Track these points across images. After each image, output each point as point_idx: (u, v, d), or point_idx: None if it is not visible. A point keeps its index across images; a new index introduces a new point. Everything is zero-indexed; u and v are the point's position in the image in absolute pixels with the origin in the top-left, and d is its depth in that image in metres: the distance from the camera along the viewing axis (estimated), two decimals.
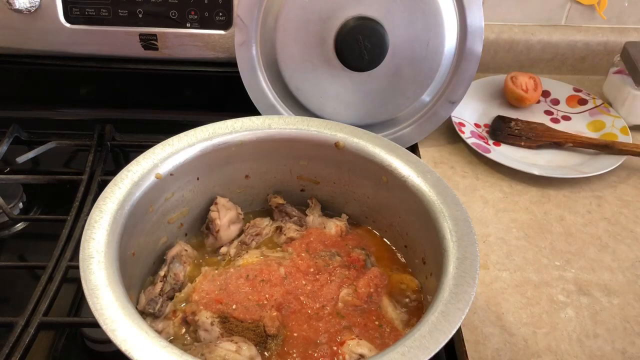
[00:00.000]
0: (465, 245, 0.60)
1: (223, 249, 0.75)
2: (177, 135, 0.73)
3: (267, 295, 0.66)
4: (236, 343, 0.59)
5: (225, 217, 0.75)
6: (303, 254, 0.72)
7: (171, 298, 0.68)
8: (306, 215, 0.80)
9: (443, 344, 0.51)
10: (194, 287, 0.68)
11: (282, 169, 0.79)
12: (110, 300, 0.53)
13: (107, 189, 0.64)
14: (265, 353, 0.62)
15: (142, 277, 0.70)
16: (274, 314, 0.65)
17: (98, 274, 0.56)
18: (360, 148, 0.74)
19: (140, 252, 0.67)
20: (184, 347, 0.62)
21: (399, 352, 0.50)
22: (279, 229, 0.78)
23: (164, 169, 0.69)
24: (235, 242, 0.76)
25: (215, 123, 0.75)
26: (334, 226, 0.77)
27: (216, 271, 0.70)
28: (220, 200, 0.77)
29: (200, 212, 0.78)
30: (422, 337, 0.51)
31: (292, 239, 0.75)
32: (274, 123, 0.76)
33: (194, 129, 0.74)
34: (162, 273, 0.70)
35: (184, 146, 0.71)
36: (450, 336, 0.52)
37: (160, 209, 0.71)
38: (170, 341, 0.62)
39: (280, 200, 0.81)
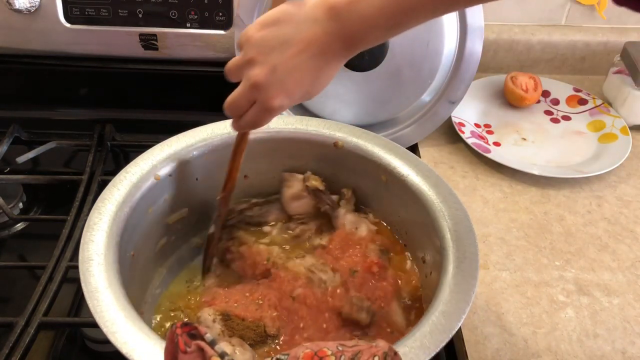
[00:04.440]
0: (465, 245, 0.60)
1: (266, 228, 0.76)
2: (176, 136, 0.72)
3: (271, 301, 0.67)
4: (233, 345, 0.59)
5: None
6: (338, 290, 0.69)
7: None
8: (339, 206, 0.77)
9: (443, 344, 0.51)
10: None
11: (281, 169, 0.79)
12: (111, 303, 0.53)
13: (106, 191, 0.64)
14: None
15: (142, 278, 0.70)
16: (274, 314, 0.65)
17: (98, 276, 0.56)
18: (359, 147, 0.74)
19: (139, 253, 0.67)
20: None
21: (399, 352, 0.50)
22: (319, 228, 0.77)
23: (163, 170, 0.69)
24: (280, 224, 0.76)
25: (214, 123, 0.75)
26: (366, 229, 0.74)
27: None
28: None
29: (200, 213, 0.77)
30: (422, 337, 0.51)
31: (320, 247, 0.74)
32: (272, 123, 0.76)
33: (193, 129, 0.74)
34: None
35: (182, 147, 0.71)
36: (450, 336, 0.52)
37: (159, 210, 0.71)
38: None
39: (319, 185, 0.77)
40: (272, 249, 0.74)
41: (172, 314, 0.69)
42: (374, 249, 0.72)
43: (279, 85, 0.57)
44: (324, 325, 0.64)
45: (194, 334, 0.45)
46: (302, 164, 0.79)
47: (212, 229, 0.73)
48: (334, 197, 0.77)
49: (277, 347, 0.63)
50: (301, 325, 0.65)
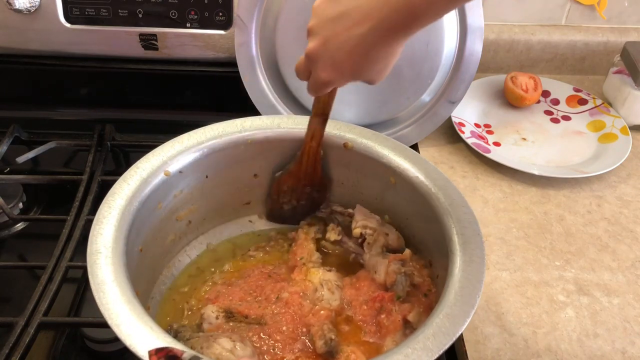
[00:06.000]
0: (472, 249, 0.60)
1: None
2: (187, 133, 0.72)
3: (266, 295, 0.67)
4: (233, 341, 0.60)
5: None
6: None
7: None
8: (364, 251, 0.74)
9: (446, 346, 0.51)
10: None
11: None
12: (116, 296, 0.53)
13: (116, 185, 0.65)
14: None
15: (149, 273, 0.70)
16: (273, 307, 0.66)
17: (105, 269, 0.56)
18: (368, 149, 0.74)
19: (147, 248, 0.67)
20: (192, 335, 0.62)
21: (402, 354, 0.50)
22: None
23: (173, 166, 0.69)
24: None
25: (224, 122, 0.75)
26: (383, 273, 0.69)
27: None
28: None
29: (209, 210, 0.77)
30: (425, 339, 0.51)
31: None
32: (283, 122, 0.76)
33: (204, 127, 0.73)
34: None
35: (193, 144, 0.71)
36: (454, 339, 0.51)
37: (168, 206, 0.71)
38: (180, 328, 0.63)
39: (335, 237, 0.77)
40: (312, 252, 0.74)
41: (177, 309, 0.70)
42: (395, 272, 0.69)
43: (328, 59, 0.56)
44: (290, 334, 0.64)
45: (171, 356, 0.45)
46: None
47: (279, 173, 0.77)
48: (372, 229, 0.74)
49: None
50: (273, 321, 0.65)
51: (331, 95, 0.69)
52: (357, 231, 0.74)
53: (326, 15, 0.56)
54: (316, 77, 0.60)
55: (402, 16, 0.51)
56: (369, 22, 0.52)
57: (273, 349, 0.62)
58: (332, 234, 0.76)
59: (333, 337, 0.62)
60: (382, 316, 0.65)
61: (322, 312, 0.66)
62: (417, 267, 0.70)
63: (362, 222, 0.74)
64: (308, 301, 0.67)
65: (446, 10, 0.51)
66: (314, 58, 0.58)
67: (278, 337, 0.63)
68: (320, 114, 0.72)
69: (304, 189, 0.78)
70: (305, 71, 0.61)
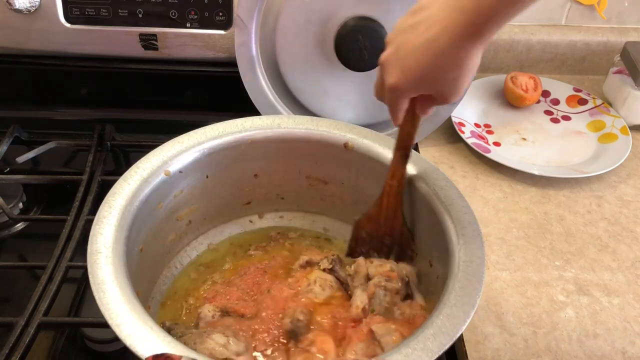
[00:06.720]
0: (472, 249, 0.60)
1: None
2: (187, 133, 0.73)
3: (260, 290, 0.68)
4: (227, 337, 0.60)
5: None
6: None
7: None
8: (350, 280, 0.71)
9: (447, 347, 0.51)
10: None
11: (291, 168, 0.79)
12: (117, 295, 0.53)
13: (117, 185, 0.65)
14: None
15: (149, 273, 0.70)
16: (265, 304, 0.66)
17: (105, 269, 0.56)
18: (369, 149, 0.74)
19: (148, 248, 0.67)
20: (185, 332, 0.62)
21: (402, 354, 0.50)
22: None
23: (174, 166, 0.69)
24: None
25: (225, 122, 0.75)
26: (360, 304, 0.65)
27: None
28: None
29: (209, 210, 0.77)
30: (425, 340, 0.51)
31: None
32: (283, 122, 0.76)
33: (204, 127, 0.73)
34: None
35: (193, 144, 0.71)
36: (454, 339, 0.51)
37: (169, 206, 0.71)
38: (172, 325, 0.63)
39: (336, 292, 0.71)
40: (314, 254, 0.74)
41: (177, 308, 0.70)
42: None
43: (397, 64, 0.57)
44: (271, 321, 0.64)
45: None
46: (312, 164, 0.78)
47: (359, 217, 0.73)
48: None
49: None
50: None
51: (413, 125, 0.66)
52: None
53: (402, 26, 0.57)
54: (386, 85, 0.59)
55: (470, 18, 0.50)
56: (438, 26, 0.52)
57: (256, 337, 0.62)
58: (325, 262, 0.72)
59: (301, 318, 0.62)
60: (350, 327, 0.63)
61: (303, 299, 0.66)
62: (413, 305, 0.67)
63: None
64: (293, 291, 0.67)
65: (515, 11, 0.50)
66: (385, 65, 0.59)
67: (258, 322, 0.63)
68: (402, 147, 0.67)
69: (383, 239, 0.72)
70: (379, 83, 0.61)
